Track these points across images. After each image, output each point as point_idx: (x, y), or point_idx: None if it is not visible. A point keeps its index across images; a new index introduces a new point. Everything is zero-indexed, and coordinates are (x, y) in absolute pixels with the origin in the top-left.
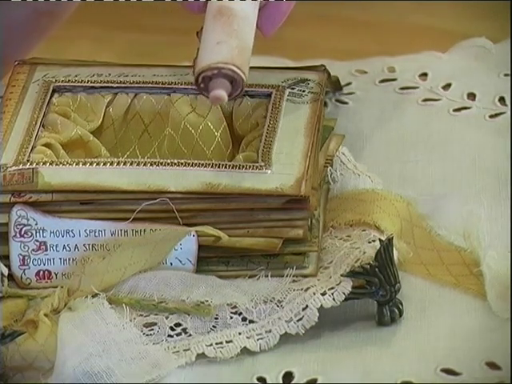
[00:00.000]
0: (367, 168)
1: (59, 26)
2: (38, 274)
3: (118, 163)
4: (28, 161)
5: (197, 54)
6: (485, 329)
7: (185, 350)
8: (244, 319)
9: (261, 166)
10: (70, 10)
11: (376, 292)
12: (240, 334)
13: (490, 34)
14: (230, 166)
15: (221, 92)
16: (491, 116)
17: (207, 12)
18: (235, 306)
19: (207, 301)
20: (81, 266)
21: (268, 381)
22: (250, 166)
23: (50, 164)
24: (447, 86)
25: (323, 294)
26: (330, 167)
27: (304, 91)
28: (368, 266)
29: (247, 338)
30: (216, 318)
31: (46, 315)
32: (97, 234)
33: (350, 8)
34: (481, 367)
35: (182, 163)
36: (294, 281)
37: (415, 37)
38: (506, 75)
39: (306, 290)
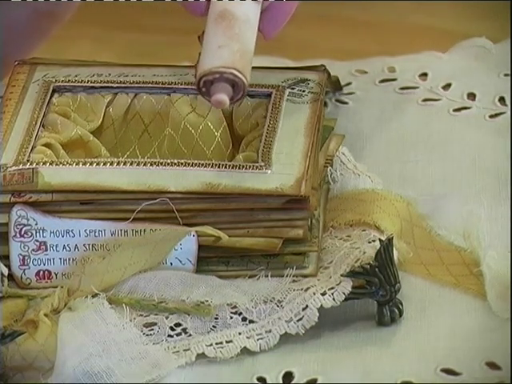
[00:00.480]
0: (367, 168)
1: (60, 27)
2: (38, 274)
3: (118, 163)
4: (28, 161)
5: (198, 58)
6: (485, 329)
7: (185, 350)
8: (244, 319)
9: (261, 166)
10: (70, 10)
11: (376, 292)
12: (240, 334)
13: (490, 34)
14: (230, 165)
15: (222, 96)
16: (491, 116)
17: (209, 15)
18: (235, 306)
19: (207, 301)
20: (81, 266)
21: (268, 381)
22: (250, 166)
23: (50, 164)
24: (447, 86)
25: (323, 294)
26: (330, 167)
27: (304, 91)
28: (368, 266)
29: (247, 338)
30: (216, 318)
31: (46, 315)
32: (97, 234)
33: (350, 8)
34: (481, 367)
35: (182, 163)
36: (294, 281)
37: (415, 37)
38: (506, 75)
39: (306, 290)
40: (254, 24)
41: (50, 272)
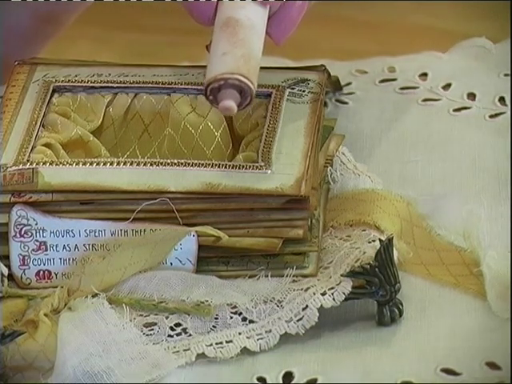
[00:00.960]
0: (367, 168)
1: (62, 31)
2: (38, 274)
3: (118, 163)
4: (28, 161)
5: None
6: (485, 329)
7: (185, 350)
8: (244, 319)
9: (261, 166)
10: (73, 14)
11: (376, 292)
12: (240, 334)
13: (490, 34)
14: (230, 165)
15: (230, 102)
16: (491, 116)
17: (215, 24)
18: (235, 306)
19: (207, 301)
20: (81, 266)
21: (268, 381)
22: (250, 166)
23: (50, 164)
24: (447, 86)
25: (323, 294)
26: (330, 167)
27: (304, 91)
28: (368, 266)
29: (247, 338)
30: (216, 318)
31: (46, 315)
32: (97, 234)
33: (350, 8)
34: (481, 367)
35: (182, 163)
36: (294, 281)
37: (415, 37)
38: (506, 75)
39: (306, 290)
40: (261, 29)
41: (50, 272)
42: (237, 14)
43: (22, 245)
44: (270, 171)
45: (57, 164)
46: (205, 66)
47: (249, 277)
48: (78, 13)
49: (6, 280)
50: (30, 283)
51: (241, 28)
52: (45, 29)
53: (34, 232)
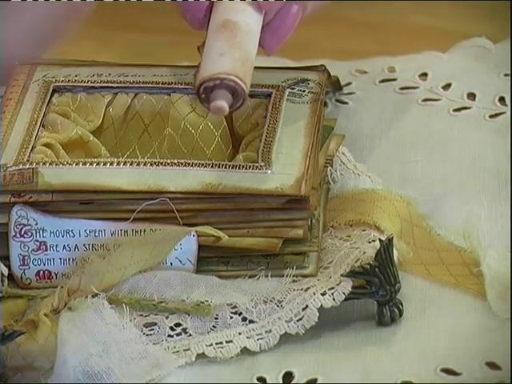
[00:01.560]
0: (367, 168)
1: (64, 37)
2: (38, 274)
3: (118, 163)
4: (28, 161)
5: (197, 68)
6: (485, 329)
7: (185, 350)
8: (244, 319)
9: (261, 166)
10: (86, 12)
11: (376, 292)
12: (240, 334)
13: (490, 34)
14: (230, 165)
15: (222, 103)
16: (491, 116)
17: (210, 27)
18: (235, 306)
19: (207, 301)
20: (81, 266)
21: (268, 381)
22: (250, 166)
23: (49, 164)
24: (447, 86)
25: (323, 294)
26: (330, 167)
27: (304, 91)
28: (368, 266)
29: (247, 338)
30: (216, 318)
31: (46, 315)
32: (97, 234)
33: (350, 8)
34: (481, 367)
35: (181, 163)
36: (294, 281)
37: (415, 37)
38: (506, 75)
39: (306, 290)
40: (256, 34)
41: (50, 272)
42: (234, 17)
43: (22, 245)
44: (269, 171)
45: (57, 164)
46: None
47: (249, 277)
48: (81, 19)
49: (5, 280)
50: (29, 283)
51: (239, 31)
52: (53, 30)
53: (34, 232)
